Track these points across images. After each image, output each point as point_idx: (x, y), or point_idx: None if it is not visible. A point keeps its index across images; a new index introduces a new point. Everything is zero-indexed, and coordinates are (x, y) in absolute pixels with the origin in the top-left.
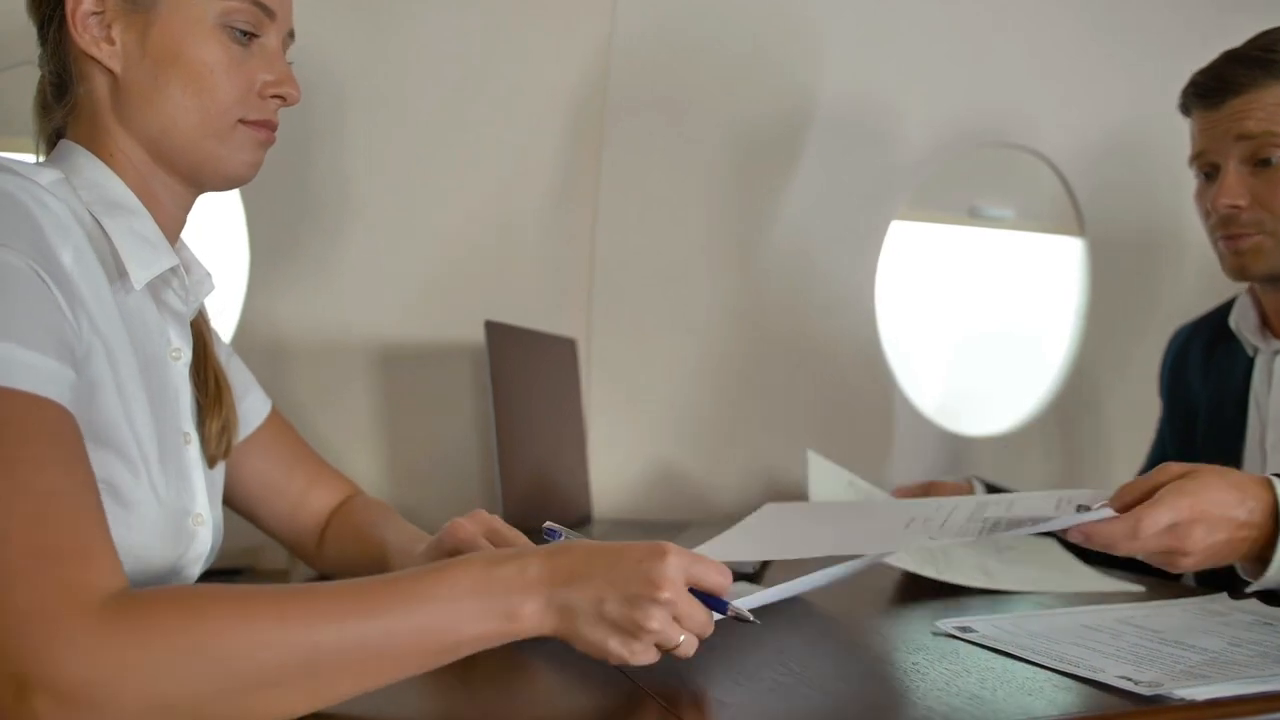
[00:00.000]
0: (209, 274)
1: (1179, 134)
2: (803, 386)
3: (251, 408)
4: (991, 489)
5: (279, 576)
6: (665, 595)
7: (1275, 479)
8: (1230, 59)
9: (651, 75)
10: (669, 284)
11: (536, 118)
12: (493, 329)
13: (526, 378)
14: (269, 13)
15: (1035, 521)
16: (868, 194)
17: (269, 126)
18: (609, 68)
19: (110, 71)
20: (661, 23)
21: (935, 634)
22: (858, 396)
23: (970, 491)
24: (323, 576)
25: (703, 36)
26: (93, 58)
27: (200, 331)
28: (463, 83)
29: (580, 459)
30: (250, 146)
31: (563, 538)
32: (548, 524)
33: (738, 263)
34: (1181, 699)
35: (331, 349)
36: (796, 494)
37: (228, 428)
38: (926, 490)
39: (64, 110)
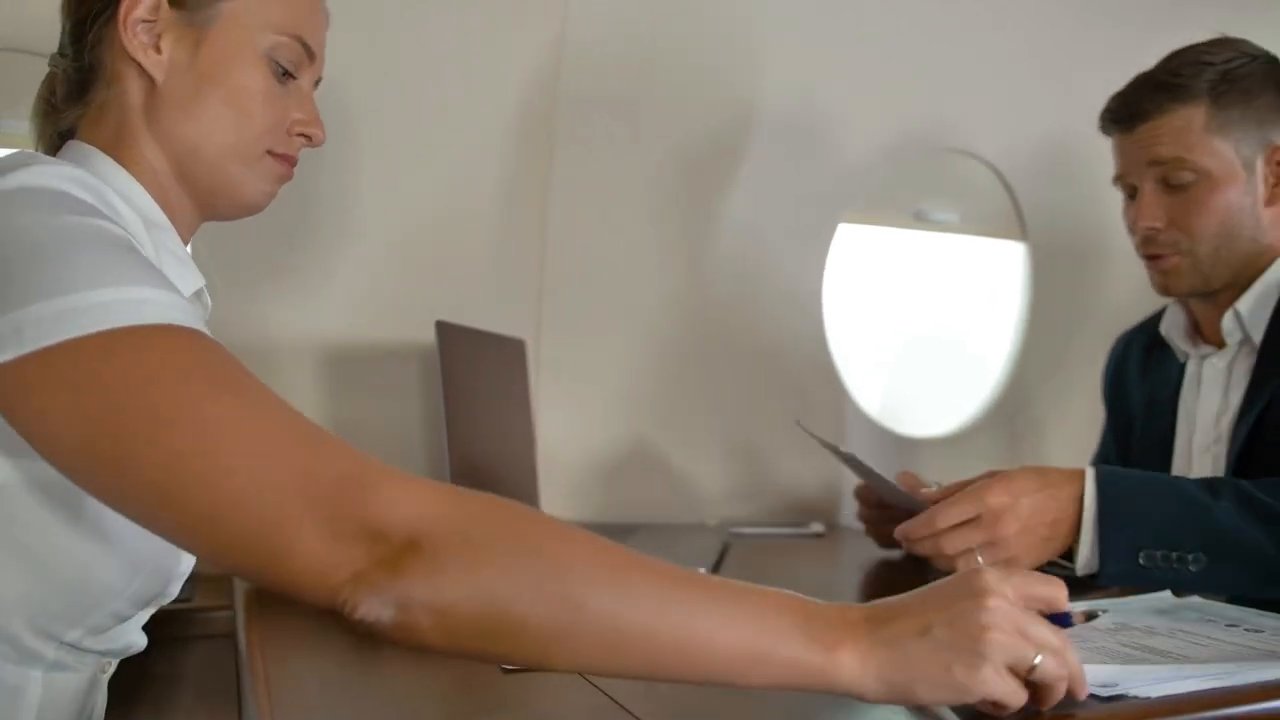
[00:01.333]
0: (205, 288)
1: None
2: (751, 388)
3: None
4: None
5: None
6: (993, 602)
7: (1090, 467)
8: (1139, 84)
9: (602, 76)
10: (618, 284)
11: (487, 117)
12: (444, 329)
13: (476, 378)
14: (310, 55)
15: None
16: (815, 196)
17: (290, 162)
18: (560, 68)
19: (147, 78)
20: (613, 24)
21: None
22: (804, 397)
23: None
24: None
25: (653, 38)
26: (136, 62)
27: None
28: (412, 80)
29: (529, 461)
30: (270, 178)
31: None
32: None
33: (686, 264)
34: (1138, 697)
35: (275, 349)
36: (751, 494)
37: None
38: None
39: (80, 110)
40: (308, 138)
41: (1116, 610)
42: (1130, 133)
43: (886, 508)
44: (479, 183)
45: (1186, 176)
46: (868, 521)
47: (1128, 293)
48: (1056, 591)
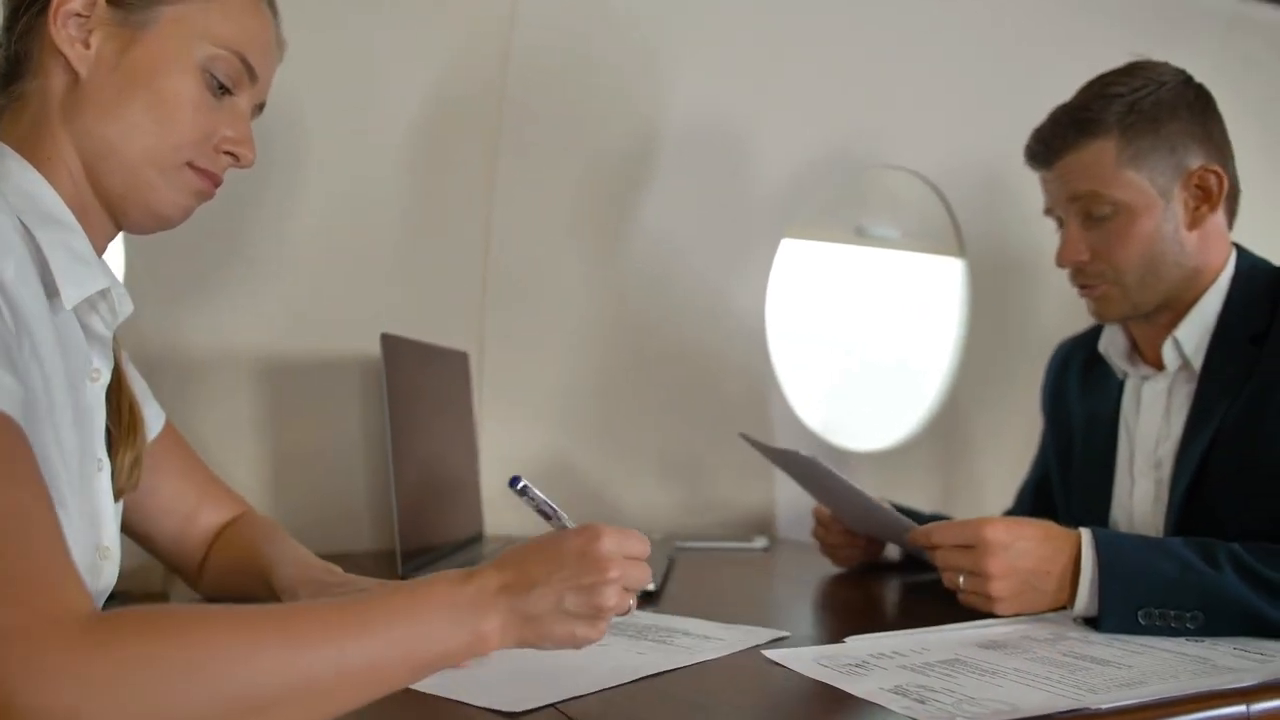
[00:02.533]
0: (125, 292)
1: None
2: (692, 402)
3: (146, 420)
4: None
5: (156, 599)
6: (614, 574)
7: (1083, 530)
8: (1054, 119)
9: (547, 88)
10: (561, 298)
11: (431, 128)
12: (388, 342)
13: (421, 391)
14: (252, 75)
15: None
16: (757, 211)
17: (213, 180)
18: (505, 81)
19: (72, 73)
20: (559, 36)
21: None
22: (745, 410)
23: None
24: (208, 599)
25: (599, 52)
26: (61, 54)
27: (116, 354)
28: (357, 89)
29: (472, 474)
30: (188, 191)
31: (521, 484)
32: (515, 476)
33: (629, 278)
34: (1088, 710)
35: (214, 359)
36: (694, 508)
37: (139, 462)
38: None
39: (3, 100)
40: (235, 157)
41: (1052, 621)
42: (1049, 168)
43: (845, 531)
44: (423, 195)
45: (1105, 209)
46: (824, 541)
47: (1063, 308)
48: (646, 549)
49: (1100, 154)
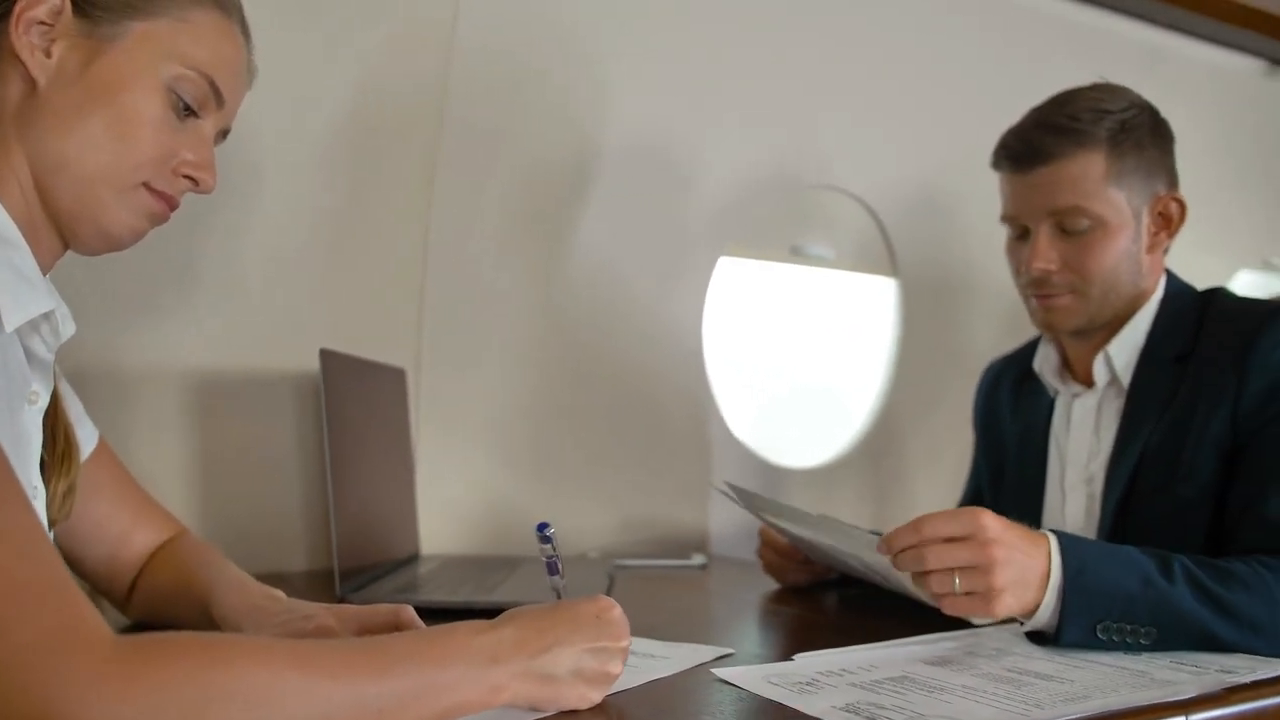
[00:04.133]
0: (68, 314)
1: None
2: (631, 418)
3: (79, 441)
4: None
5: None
6: (625, 642)
7: (1050, 534)
8: (1038, 124)
9: (486, 104)
10: (499, 314)
11: (368, 142)
12: (328, 358)
13: (359, 408)
14: (219, 98)
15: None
16: (696, 231)
17: (169, 203)
18: (445, 95)
19: (30, 82)
20: (499, 51)
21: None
22: (681, 427)
23: None
24: (137, 624)
25: (538, 67)
26: (20, 62)
27: (54, 377)
28: (292, 101)
29: (409, 493)
30: (141, 213)
31: (550, 530)
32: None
33: (568, 295)
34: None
35: (146, 376)
36: (631, 525)
37: (72, 490)
38: None
39: None
40: (194, 182)
41: (995, 637)
42: (1026, 174)
43: (790, 555)
44: (360, 208)
45: (1082, 223)
46: (770, 563)
47: (993, 327)
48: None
49: (1089, 167)
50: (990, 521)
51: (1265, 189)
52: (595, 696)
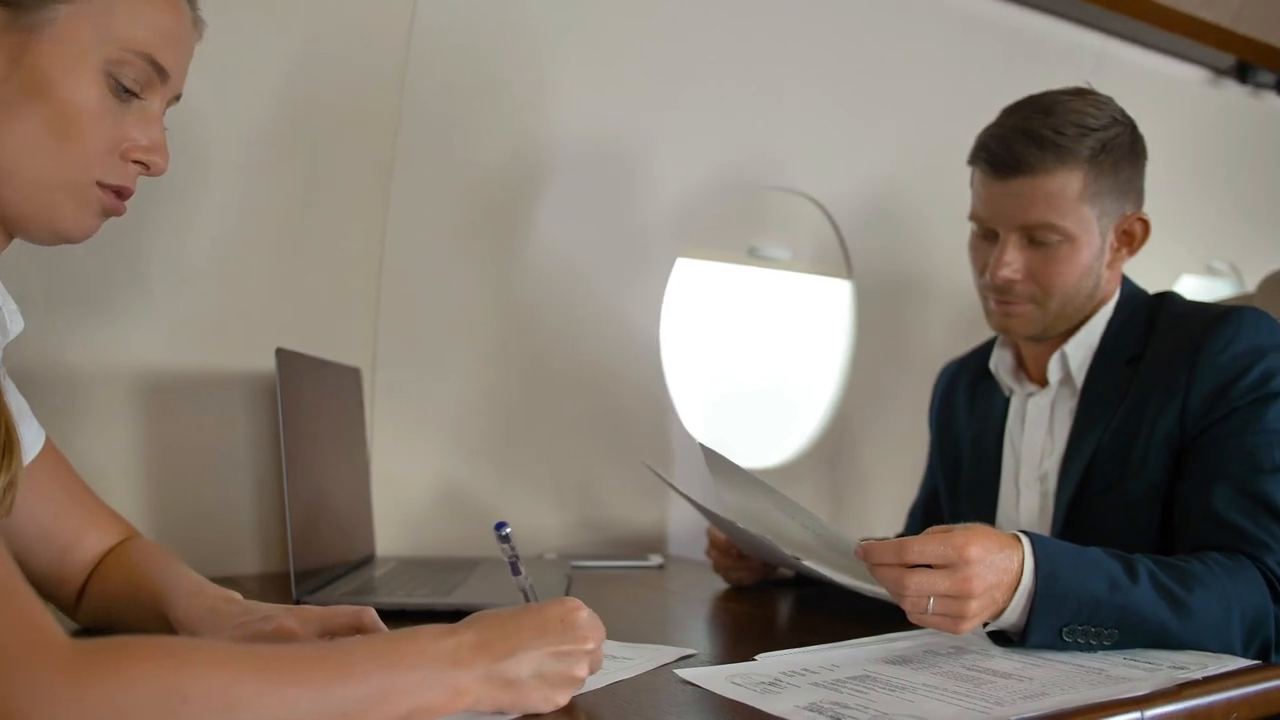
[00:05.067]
0: (16, 311)
1: (935, 193)
2: (588, 418)
3: (24, 440)
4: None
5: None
6: (591, 645)
7: (1023, 536)
8: (1022, 132)
9: (444, 104)
10: (456, 314)
11: (325, 140)
12: (284, 357)
13: (315, 408)
14: (162, 74)
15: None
16: (654, 232)
17: (123, 195)
18: (401, 95)
19: None
20: (456, 49)
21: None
22: (639, 428)
23: None
24: (87, 630)
25: (496, 66)
26: None
27: None
28: (249, 98)
29: (364, 494)
30: (96, 211)
31: (507, 530)
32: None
33: (526, 294)
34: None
35: (95, 375)
36: (588, 527)
37: (13, 486)
38: None
39: None
40: (146, 166)
41: (952, 636)
42: (1003, 180)
43: (739, 554)
44: (316, 205)
45: (1052, 238)
46: (717, 562)
47: (945, 331)
48: (602, 634)
49: (1066, 184)
50: (976, 552)
51: (1207, 196)
52: (560, 699)
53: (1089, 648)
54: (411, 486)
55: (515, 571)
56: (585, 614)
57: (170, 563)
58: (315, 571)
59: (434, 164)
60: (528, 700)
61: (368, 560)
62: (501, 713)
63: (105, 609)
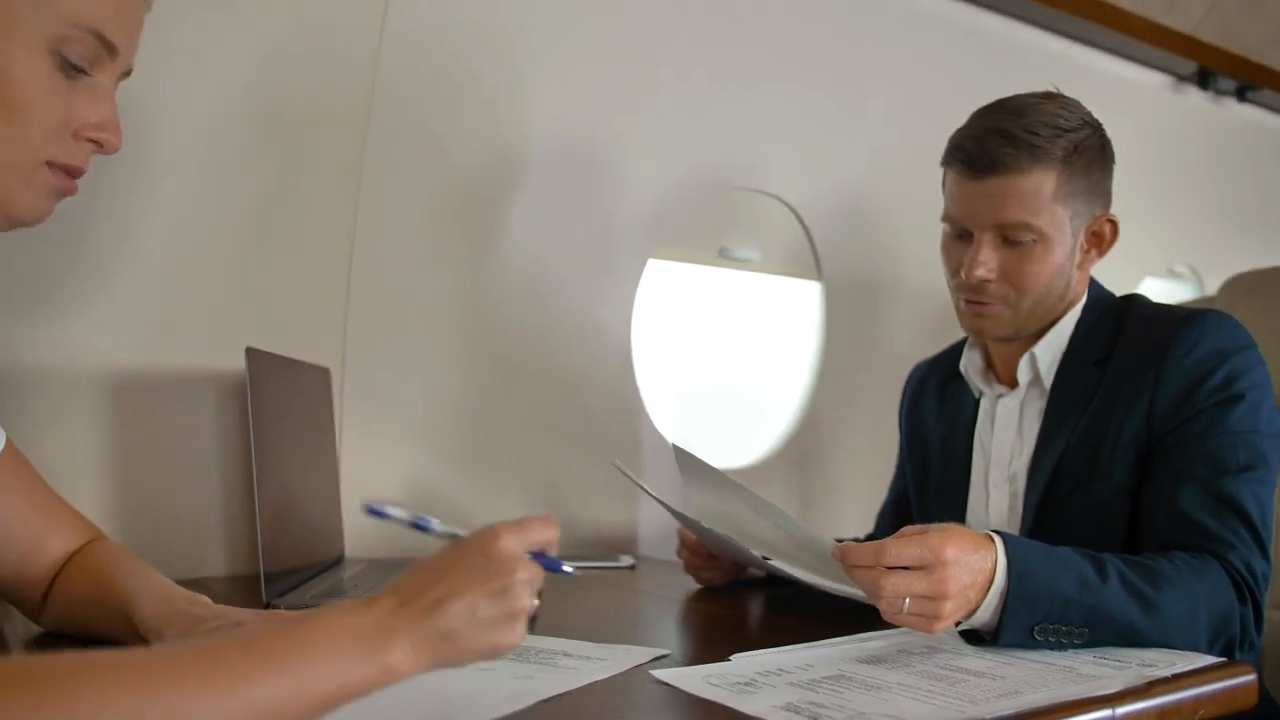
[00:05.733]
0: None
1: (904, 195)
2: (559, 419)
3: None
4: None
5: None
6: (522, 572)
7: (995, 536)
8: (997, 131)
9: (415, 101)
10: (426, 313)
11: (295, 138)
12: (254, 356)
13: (285, 408)
14: (111, 50)
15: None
16: (625, 232)
17: (75, 174)
18: (372, 93)
19: None
20: (428, 48)
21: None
22: (610, 429)
23: None
24: (50, 634)
25: (467, 66)
26: None
27: None
28: (218, 93)
29: (334, 494)
30: (48, 193)
31: (378, 509)
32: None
33: (497, 294)
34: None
35: (57, 374)
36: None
37: None
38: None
39: None
40: (99, 144)
41: (924, 635)
42: (978, 179)
43: (709, 555)
44: (283, 204)
45: (1026, 237)
46: (689, 564)
47: (914, 333)
48: (551, 534)
49: (1041, 184)
50: (951, 553)
51: (1169, 201)
52: (512, 638)
53: (1060, 646)
54: (381, 487)
55: (422, 527)
56: (508, 538)
57: (136, 566)
58: (285, 573)
59: (404, 163)
60: (474, 648)
61: (338, 561)
62: (448, 666)
63: (70, 613)
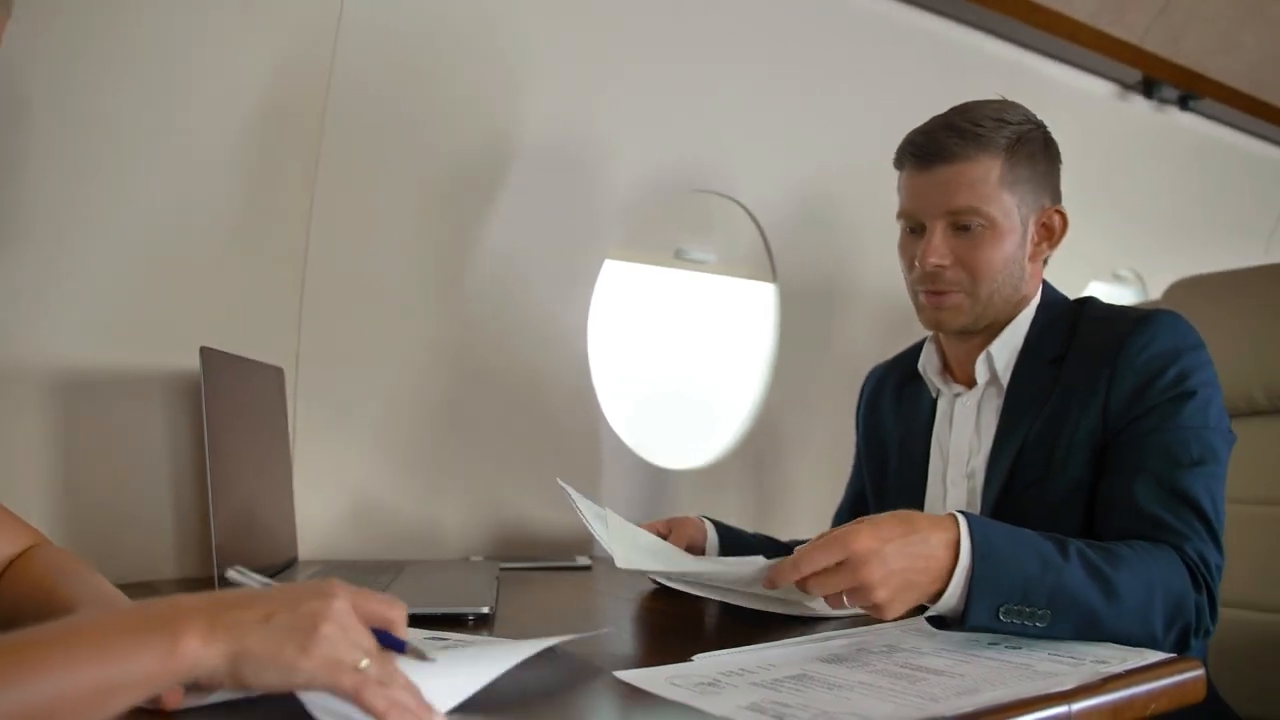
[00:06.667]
0: None
1: (859, 199)
2: (515, 419)
3: None
4: (719, 526)
5: None
6: (337, 604)
7: (959, 516)
8: (943, 126)
9: (372, 98)
10: (382, 313)
11: (251, 131)
12: (208, 355)
13: (239, 409)
14: None
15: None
16: (582, 232)
17: None
18: (329, 87)
19: None
20: (385, 44)
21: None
22: (567, 429)
23: (703, 526)
24: None
25: (426, 63)
26: None
27: None
28: (171, 86)
29: (286, 496)
30: None
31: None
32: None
33: (453, 294)
34: (937, 717)
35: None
36: (514, 529)
37: None
38: (670, 526)
39: None
40: None
41: (883, 633)
42: (929, 171)
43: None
44: (235, 199)
45: (976, 222)
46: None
47: (869, 335)
48: (395, 614)
49: (988, 171)
50: (860, 546)
51: (1115, 206)
52: (304, 661)
53: (1023, 629)
54: (335, 488)
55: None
56: (337, 590)
57: (81, 570)
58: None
59: (360, 162)
60: (263, 652)
61: (291, 564)
62: (238, 671)
63: (13, 620)
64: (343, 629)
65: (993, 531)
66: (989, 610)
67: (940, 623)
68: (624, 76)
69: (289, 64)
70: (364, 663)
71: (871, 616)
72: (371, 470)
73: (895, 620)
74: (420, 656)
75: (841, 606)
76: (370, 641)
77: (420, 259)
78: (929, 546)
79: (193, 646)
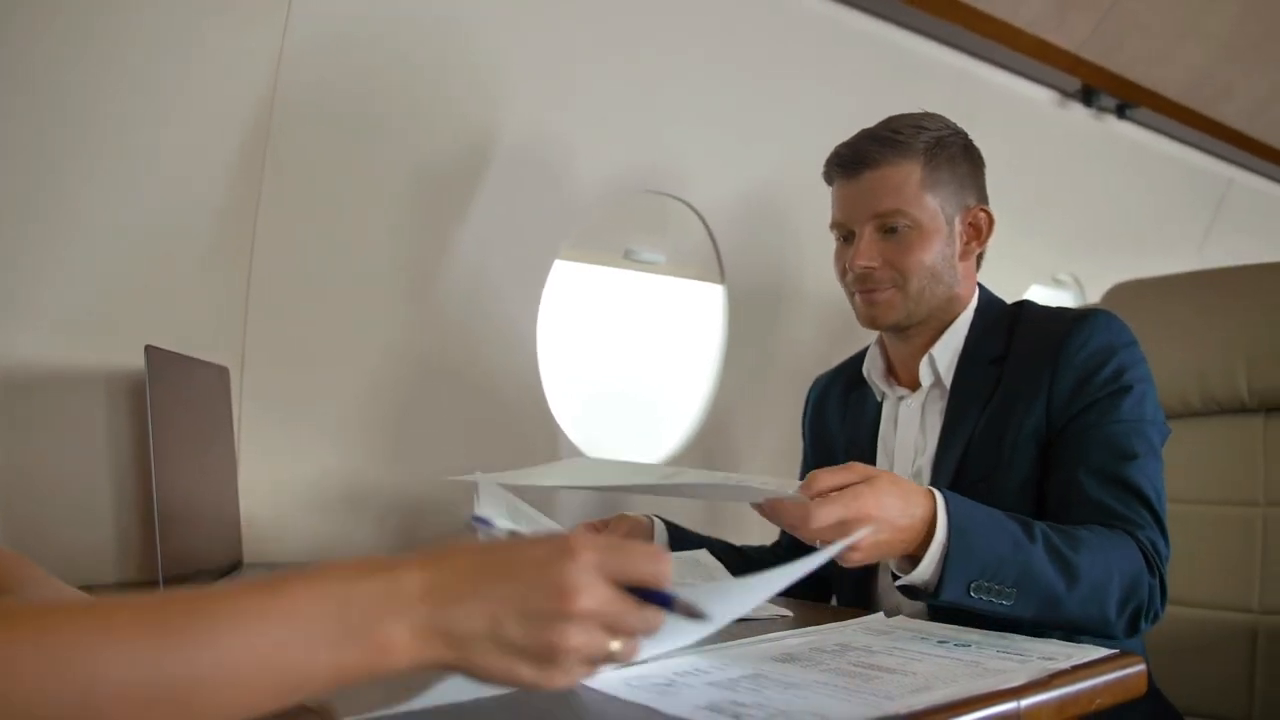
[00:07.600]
0: None
1: (807, 203)
2: (467, 418)
3: None
4: (669, 526)
5: None
6: (580, 606)
7: (937, 492)
8: (866, 137)
9: (324, 95)
10: (332, 312)
11: (197, 127)
12: (153, 354)
13: (184, 409)
14: None
15: (742, 488)
16: (532, 233)
17: None
18: (276, 85)
19: None
20: (337, 40)
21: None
22: (520, 428)
23: (650, 526)
24: None
25: (381, 59)
26: None
27: None
28: (111, 82)
29: (232, 497)
30: None
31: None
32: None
33: (405, 293)
34: (891, 715)
35: None
36: (464, 529)
37: None
38: (608, 524)
39: None
40: None
41: (836, 632)
42: (855, 179)
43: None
44: (178, 194)
45: (902, 223)
46: None
47: (816, 337)
48: (660, 569)
49: (909, 174)
50: (880, 479)
51: (1054, 212)
52: (547, 679)
53: (990, 606)
54: (281, 490)
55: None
56: (586, 557)
57: (31, 572)
58: (182, 580)
59: (308, 161)
60: (487, 667)
61: (235, 567)
62: (462, 672)
63: None
64: (588, 632)
65: (968, 509)
66: (961, 586)
67: (911, 592)
68: (577, 78)
69: (235, 59)
70: (614, 646)
71: (836, 563)
72: (318, 471)
73: (852, 563)
74: (691, 613)
75: (812, 537)
76: (630, 619)
77: (369, 259)
78: (913, 519)
79: (401, 647)
